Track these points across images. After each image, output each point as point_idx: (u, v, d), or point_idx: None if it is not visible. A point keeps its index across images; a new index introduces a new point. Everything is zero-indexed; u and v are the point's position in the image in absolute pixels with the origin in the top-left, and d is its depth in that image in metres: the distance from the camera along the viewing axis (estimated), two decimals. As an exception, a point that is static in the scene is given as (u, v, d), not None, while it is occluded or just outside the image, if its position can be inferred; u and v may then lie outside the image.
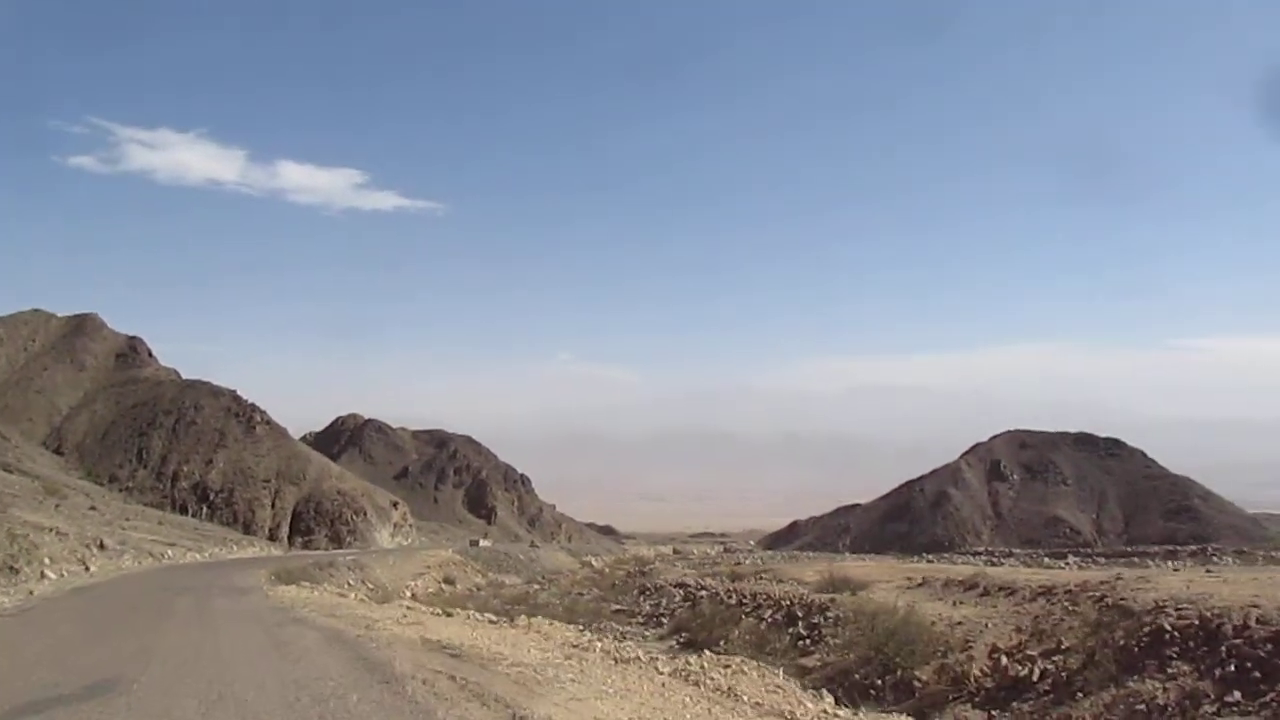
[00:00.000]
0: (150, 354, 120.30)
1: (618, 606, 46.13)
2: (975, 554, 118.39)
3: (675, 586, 48.15)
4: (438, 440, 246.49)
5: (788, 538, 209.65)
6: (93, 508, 75.06)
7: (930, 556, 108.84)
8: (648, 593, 50.50)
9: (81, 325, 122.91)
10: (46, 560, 35.06)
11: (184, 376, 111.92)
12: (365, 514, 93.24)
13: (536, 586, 75.27)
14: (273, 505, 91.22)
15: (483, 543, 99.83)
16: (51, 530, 46.41)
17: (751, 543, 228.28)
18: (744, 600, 37.83)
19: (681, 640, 36.59)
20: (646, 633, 38.63)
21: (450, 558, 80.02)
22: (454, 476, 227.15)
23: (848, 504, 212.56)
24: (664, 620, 39.94)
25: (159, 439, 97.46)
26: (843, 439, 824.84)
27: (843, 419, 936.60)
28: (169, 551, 52.70)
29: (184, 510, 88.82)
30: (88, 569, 39.44)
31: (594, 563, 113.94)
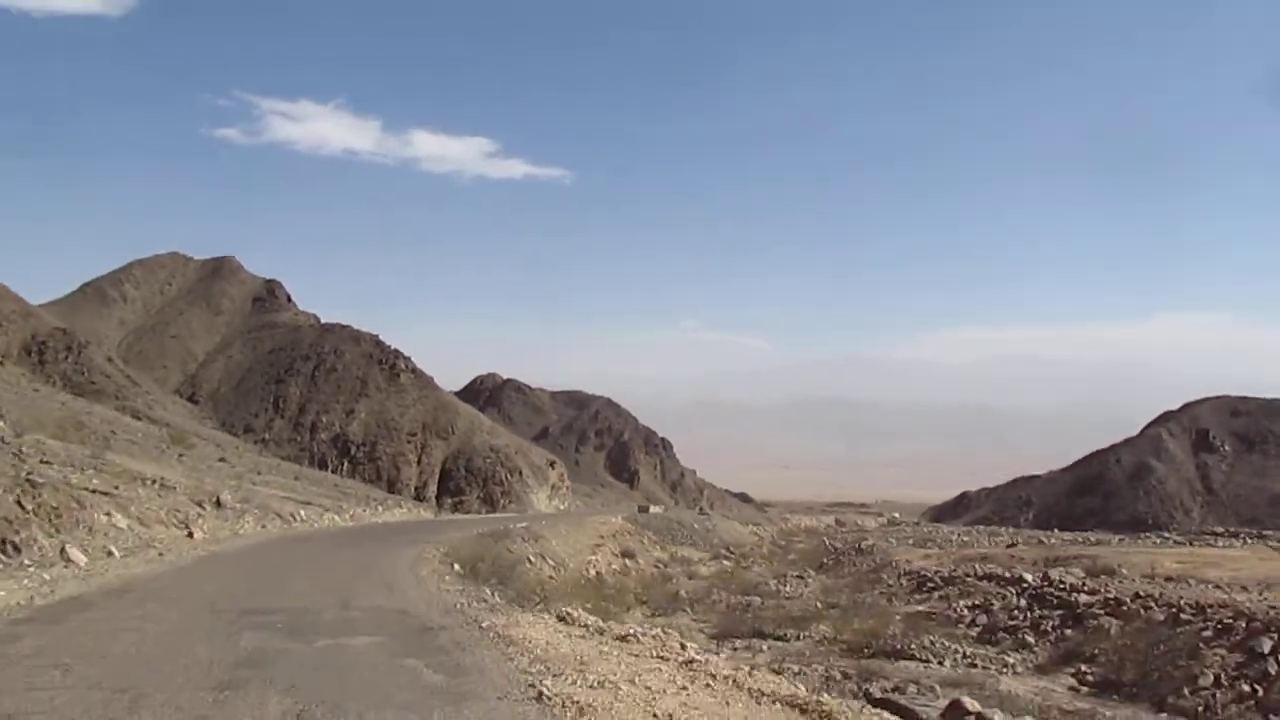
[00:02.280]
0: (289, 298, 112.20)
1: (917, 607, 32.34)
2: (1213, 535, 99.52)
3: (984, 580, 33.94)
4: (577, 401, 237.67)
5: (956, 510, 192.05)
6: (222, 459, 65.95)
7: (1166, 536, 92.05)
8: (931, 585, 36.62)
9: (219, 268, 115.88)
10: (112, 524, 23.70)
11: (323, 321, 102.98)
12: (520, 474, 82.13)
13: (728, 563, 62.53)
14: (419, 461, 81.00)
15: (653, 509, 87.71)
16: (154, 482, 35.65)
17: (896, 514, 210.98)
18: (1181, 615, 23.55)
19: (1090, 679, 22.73)
20: (1009, 658, 24.90)
21: (621, 526, 68.03)
22: (595, 439, 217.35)
23: (1025, 475, 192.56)
24: (1024, 637, 26.05)
25: (296, 387, 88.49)
26: (978, 410, 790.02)
27: (978, 390, 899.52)
28: (302, 512, 41.64)
29: (323, 465, 79.33)
30: (190, 534, 28.40)
31: (761, 533, 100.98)
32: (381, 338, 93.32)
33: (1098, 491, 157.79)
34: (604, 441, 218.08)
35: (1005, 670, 23.75)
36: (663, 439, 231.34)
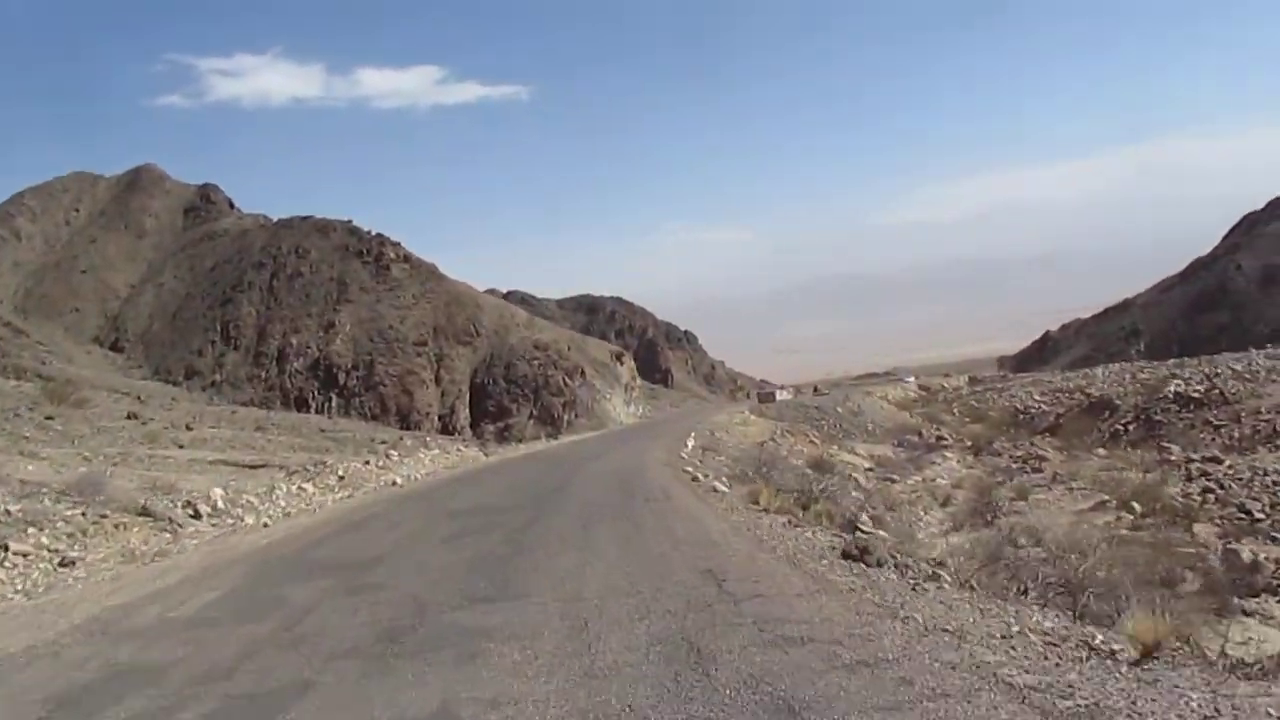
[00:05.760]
0: (231, 204, 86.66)
1: None
2: None
3: None
4: (586, 306, 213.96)
5: (1042, 355, 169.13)
6: (131, 415, 41.86)
7: None
8: None
9: (136, 181, 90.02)
10: None
11: (276, 219, 77.47)
12: (583, 374, 58.01)
13: (952, 461, 39.21)
14: (437, 379, 56.96)
15: (780, 395, 64.22)
16: None
17: (915, 374, 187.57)
18: None
19: None
20: None
21: (767, 424, 44.53)
22: (617, 341, 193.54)
23: (1113, 303, 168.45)
24: None
25: (250, 305, 63.99)
26: (972, 263, 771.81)
27: (968, 244, 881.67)
28: (215, 493, 17.64)
29: (301, 403, 55.49)
30: None
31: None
32: (356, 223, 68.22)
33: (1223, 305, 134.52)
34: (627, 342, 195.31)
35: None
36: (686, 332, 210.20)
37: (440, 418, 54.99)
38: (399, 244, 65.95)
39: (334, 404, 55.19)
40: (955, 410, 76.98)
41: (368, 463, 28.06)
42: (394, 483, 22.82)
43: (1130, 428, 36.92)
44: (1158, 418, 36.17)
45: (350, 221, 68.34)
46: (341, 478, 24.01)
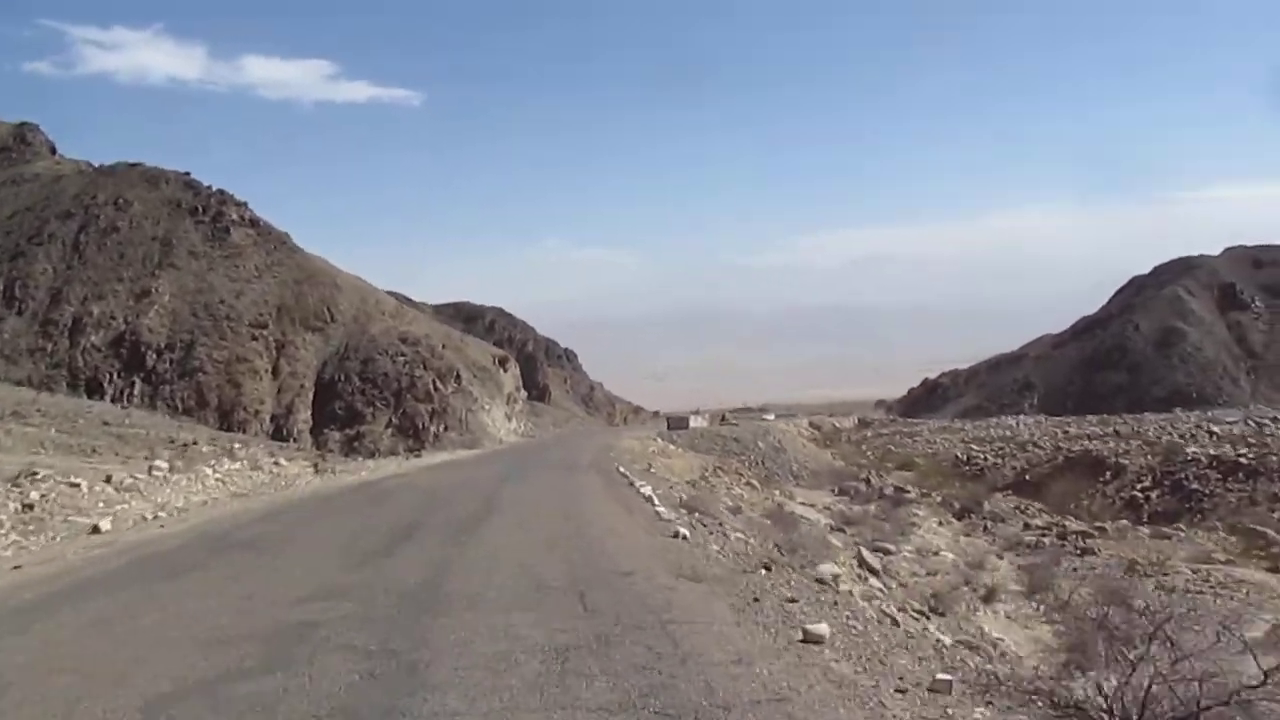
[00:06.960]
0: (53, 149, 72.85)
1: None
2: None
3: None
4: (465, 314, 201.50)
5: (930, 402, 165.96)
6: None
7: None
8: None
9: (-64, 112, 75.12)
10: None
11: (99, 165, 64.33)
12: (458, 379, 47.80)
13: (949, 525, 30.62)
14: (275, 370, 45.89)
15: (694, 421, 55.27)
16: None
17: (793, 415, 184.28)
18: None
19: None
20: None
21: (693, 458, 35.52)
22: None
23: (1003, 352, 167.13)
24: None
25: (46, 263, 51.41)
26: (846, 310, 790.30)
27: (844, 291, 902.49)
28: None
29: (94, 387, 43.74)
30: None
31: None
32: (196, 176, 56.26)
33: (1120, 365, 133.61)
34: (507, 355, 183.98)
35: None
36: (566, 349, 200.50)
37: (274, 418, 43.90)
38: (245, 204, 54.46)
39: (136, 391, 43.50)
40: (869, 453, 69.90)
41: (109, 479, 17.69)
42: (95, 529, 12.64)
43: (1151, 495, 29.57)
44: (1192, 486, 28.88)
45: (188, 174, 56.49)
46: (28, 506, 13.68)
